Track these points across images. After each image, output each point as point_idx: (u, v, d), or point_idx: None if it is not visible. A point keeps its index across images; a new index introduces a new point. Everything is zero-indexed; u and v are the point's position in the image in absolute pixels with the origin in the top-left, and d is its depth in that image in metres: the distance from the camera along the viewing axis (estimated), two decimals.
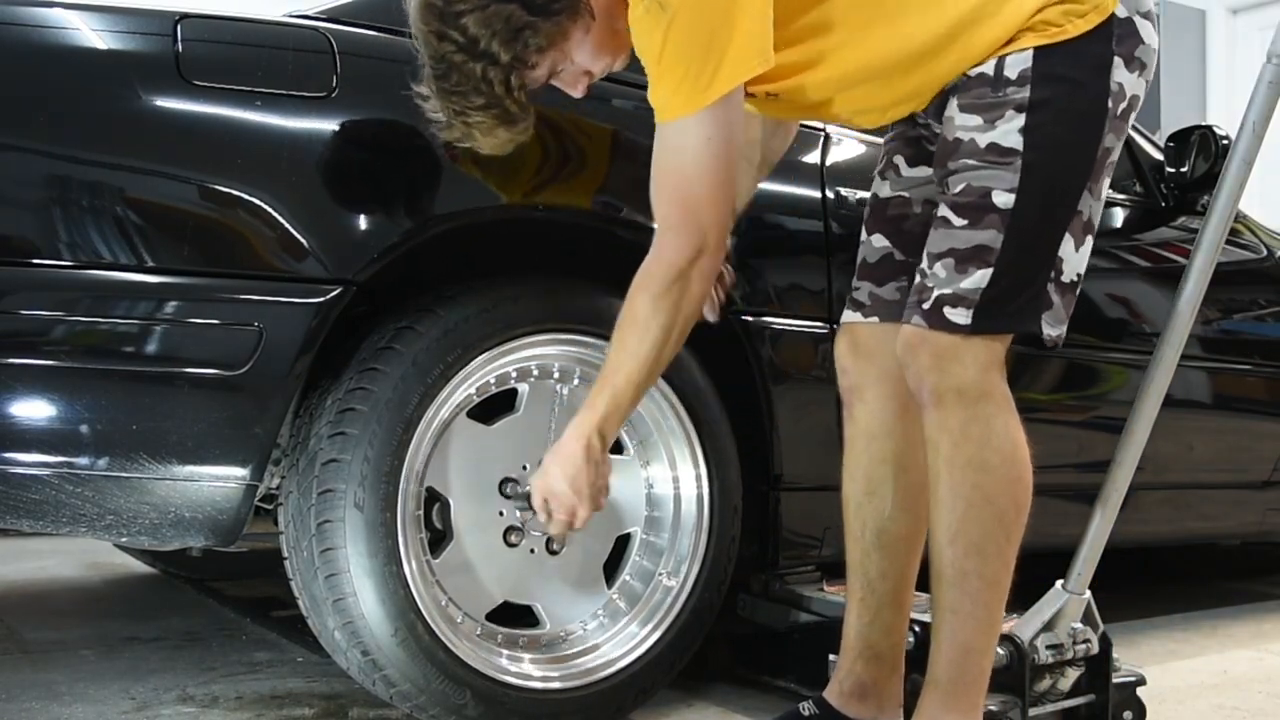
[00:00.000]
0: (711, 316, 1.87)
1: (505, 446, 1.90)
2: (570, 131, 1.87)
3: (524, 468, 1.90)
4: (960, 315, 1.57)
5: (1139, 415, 1.83)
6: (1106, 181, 1.64)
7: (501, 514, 1.89)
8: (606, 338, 1.91)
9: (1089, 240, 1.62)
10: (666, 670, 1.99)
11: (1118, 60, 1.58)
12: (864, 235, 1.81)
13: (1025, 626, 1.82)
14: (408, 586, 1.74)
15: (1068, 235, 1.59)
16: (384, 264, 1.72)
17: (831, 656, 1.86)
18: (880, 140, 1.87)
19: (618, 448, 2.00)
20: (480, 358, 1.82)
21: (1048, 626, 1.83)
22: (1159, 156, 2.83)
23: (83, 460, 1.60)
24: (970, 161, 1.58)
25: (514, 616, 1.93)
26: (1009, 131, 1.56)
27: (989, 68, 1.57)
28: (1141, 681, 1.94)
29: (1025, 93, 1.55)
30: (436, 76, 1.55)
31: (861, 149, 2.26)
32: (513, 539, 1.89)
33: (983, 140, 1.57)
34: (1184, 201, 2.80)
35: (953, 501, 1.58)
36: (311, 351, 1.67)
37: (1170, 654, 2.64)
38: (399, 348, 1.76)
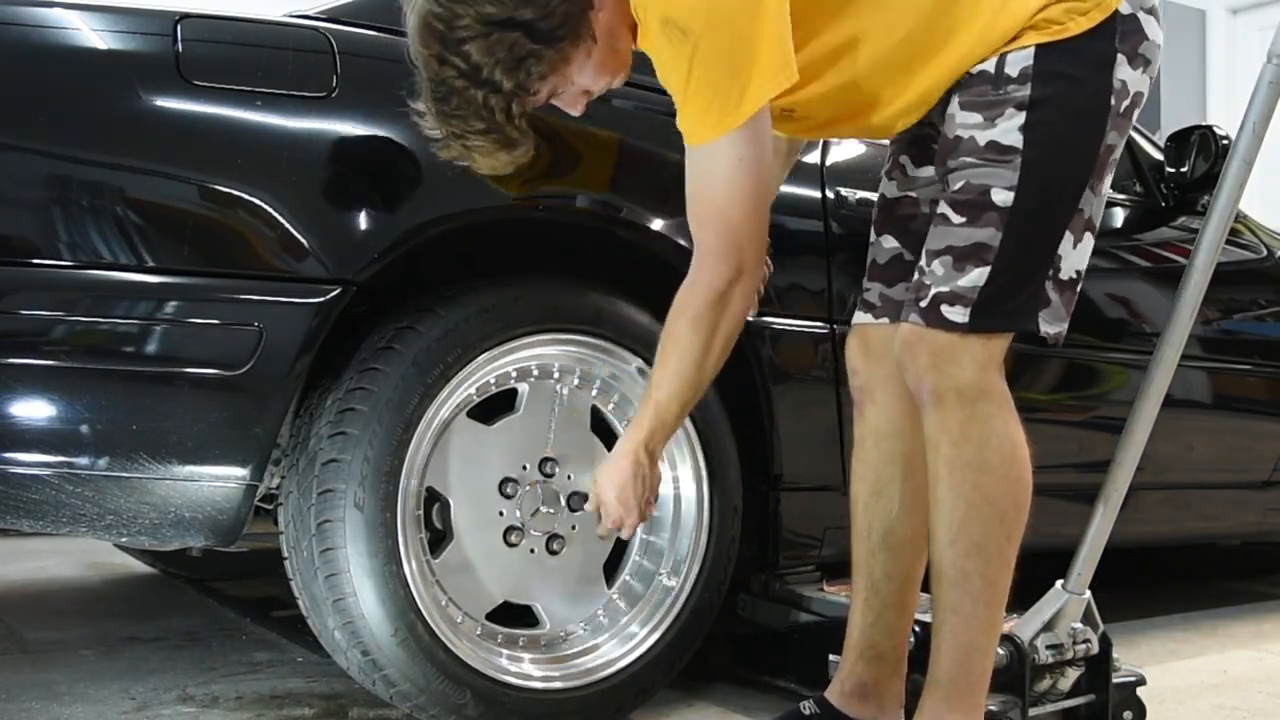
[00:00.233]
0: (749, 313, 1.88)
1: (505, 446, 1.90)
2: (570, 132, 1.87)
3: (524, 468, 1.90)
4: (957, 314, 1.57)
5: (1139, 415, 1.83)
6: (1109, 179, 1.64)
7: (501, 514, 1.89)
8: (607, 338, 1.93)
9: (1089, 238, 1.62)
10: (666, 670, 1.99)
11: (1121, 57, 1.58)
12: (873, 236, 1.81)
13: (1025, 626, 1.82)
14: (408, 586, 1.74)
15: (1067, 233, 1.59)
16: (384, 264, 1.72)
17: (832, 656, 1.86)
18: (882, 141, 1.86)
19: None
20: (480, 358, 1.82)
21: (1048, 626, 1.83)
22: (1159, 156, 2.83)
23: (83, 460, 1.60)
24: (970, 159, 1.58)
25: (514, 616, 1.93)
26: (1009, 129, 1.56)
27: (990, 65, 1.57)
28: (1141, 681, 1.94)
29: (1026, 90, 1.55)
30: (436, 99, 1.54)
31: (861, 149, 2.26)
32: (513, 539, 1.89)
33: (983, 138, 1.57)
34: (1184, 201, 2.80)
35: (953, 502, 1.58)
36: (311, 351, 1.67)
37: (1170, 654, 2.64)
38: (399, 348, 1.76)
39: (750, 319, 2.04)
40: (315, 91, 1.71)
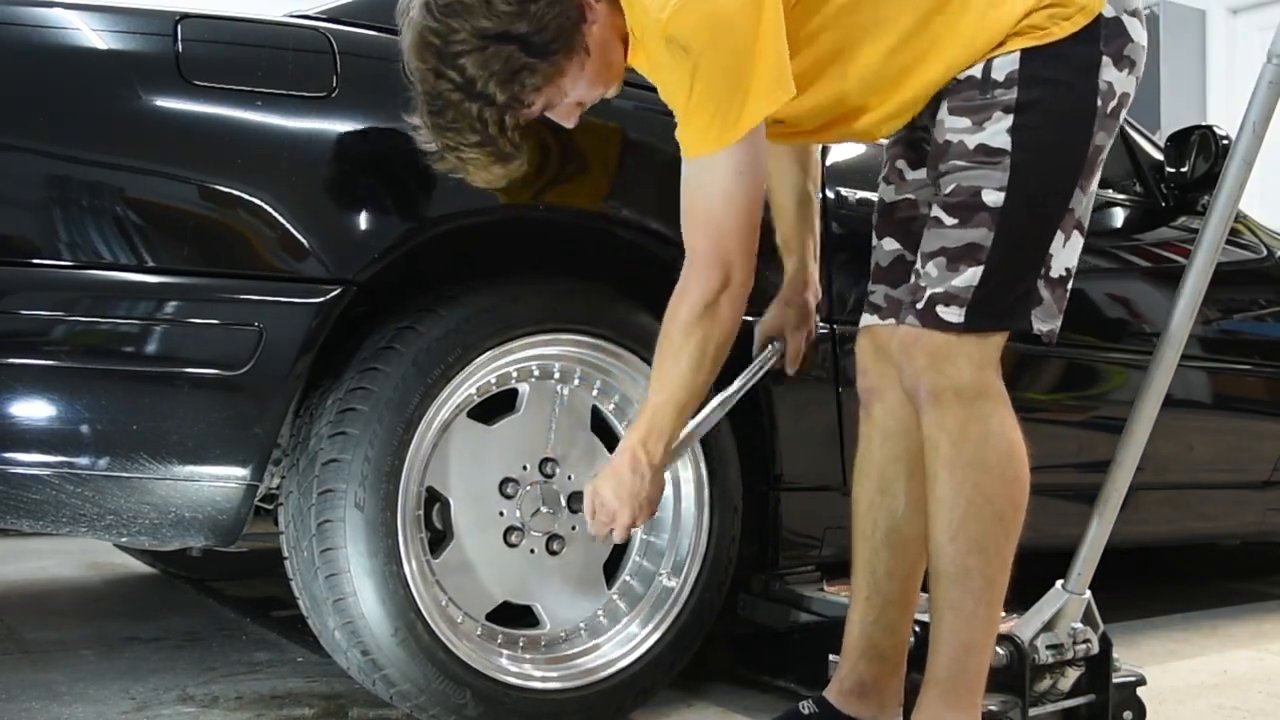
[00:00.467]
0: (790, 369, 1.93)
1: (505, 446, 1.90)
2: (570, 132, 1.87)
3: (524, 468, 1.90)
4: (953, 314, 1.58)
5: (1139, 415, 1.83)
6: (1097, 178, 1.66)
7: (502, 514, 1.89)
8: (606, 338, 1.93)
9: (1078, 236, 1.64)
10: (666, 670, 1.99)
11: (1106, 59, 1.60)
12: (875, 240, 1.83)
13: (1025, 626, 1.82)
14: (408, 586, 1.74)
15: (1058, 232, 1.61)
16: (384, 264, 1.72)
17: (832, 656, 1.86)
18: (881, 142, 1.87)
19: None
20: (481, 358, 1.82)
21: (1048, 626, 1.83)
22: (1159, 156, 2.83)
23: (83, 460, 1.60)
24: (960, 162, 1.60)
25: (514, 617, 1.93)
26: (997, 132, 1.57)
27: (977, 71, 1.60)
28: (1141, 681, 1.94)
29: (1013, 94, 1.57)
30: (431, 112, 1.55)
31: (860, 149, 2.26)
32: (513, 539, 1.89)
33: (971, 141, 1.59)
34: (1184, 201, 2.80)
35: (952, 500, 1.59)
36: (312, 351, 1.67)
37: (1170, 654, 2.64)
38: (400, 348, 1.76)
39: (749, 319, 2.04)
40: (315, 91, 1.71)
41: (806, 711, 1.80)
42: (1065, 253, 1.62)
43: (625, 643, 1.97)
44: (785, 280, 1.95)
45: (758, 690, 2.21)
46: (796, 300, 1.93)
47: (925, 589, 1.71)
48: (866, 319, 1.81)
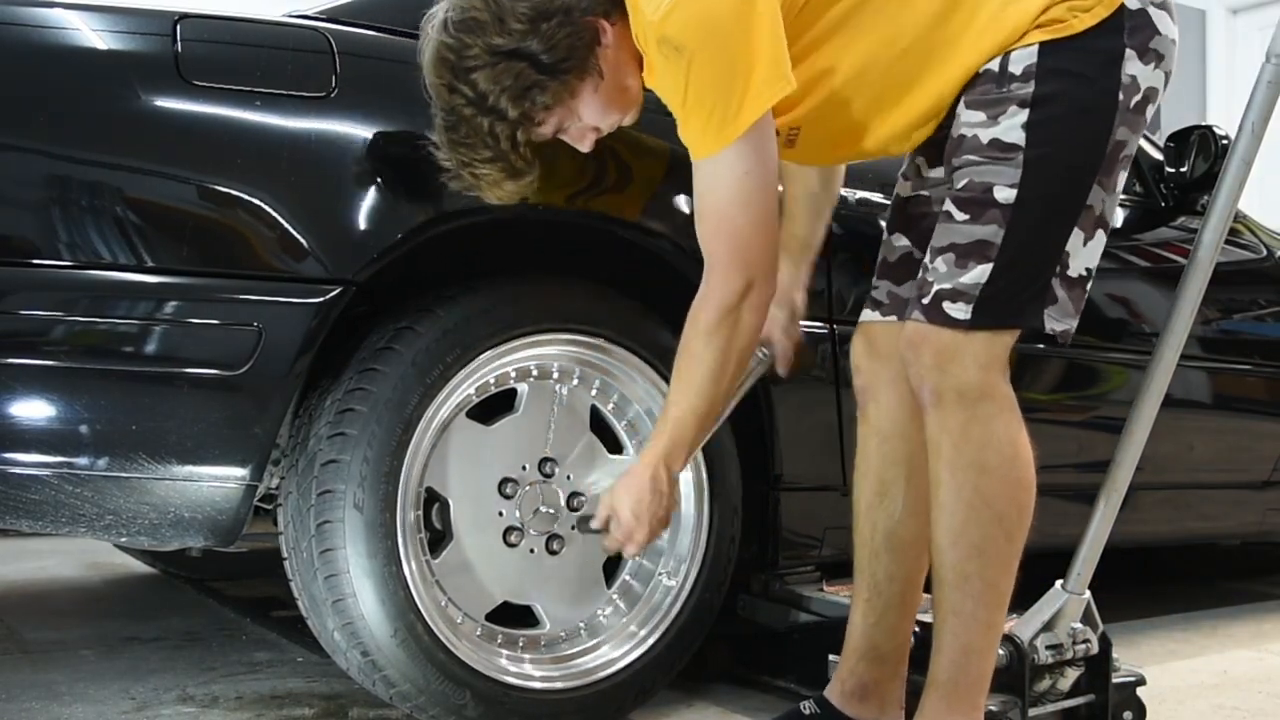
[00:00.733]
0: (782, 371, 1.91)
1: (505, 447, 1.90)
2: None
3: (523, 468, 1.90)
4: (959, 310, 1.57)
5: (1139, 415, 1.83)
6: (1123, 175, 1.63)
7: (501, 514, 1.89)
8: (606, 338, 1.93)
9: (1100, 235, 1.62)
10: (666, 670, 1.99)
11: (1130, 52, 1.57)
12: (885, 234, 1.82)
13: (1025, 626, 1.82)
14: (407, 587, 1.74)
15: (1076, 230, 1.59)
16: (384, 264, 1.72)
17: (832, 657, 1.86)
18: None
19: (618, 447, 2.00)
20: (480, 358, 1.82)
21: (1048, 626, 1.83)
22: (1159, 156, 2.83)
23: (83, 460, 1.60)
24: (973, 157, 1.58)
25: (514, 617, 1.92)
26: (1012, 127, 1.56)
27: (995, 64, 1.58)
28: (1141, 681, 1.94)
29: (1030, 88, 1.55)
30: (446, 128, 1.58)
31: None
32: (512, 539, 1.89)
33: (985, 136, 1.57)
34: (1184, 201, 2.80)
35: (954, 504, 1.58)
36: (311, 352, 1.67)
37: (1170, 654, 2.64)
38: (398, 348, 1.76)
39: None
40: (315, 91, 1.71)
41: (807, 712, 1.80)
42: (1085, 252, 1.60)
43: (625, 642, 1.97)
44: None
45: (758, 690, 2.21)
46: (785, 301, 1.92)
47: (928, 590, 1.71)
48: (866, 315, 1.80)
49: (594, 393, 1.97)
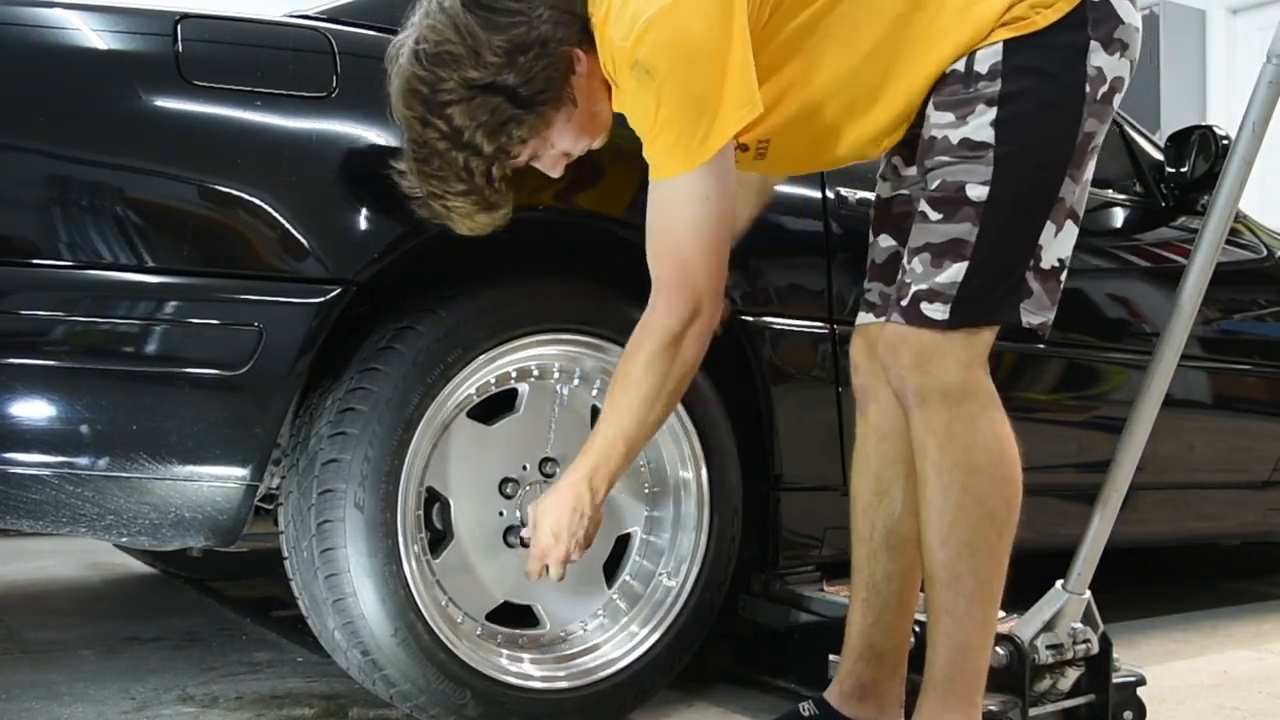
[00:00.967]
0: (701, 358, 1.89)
1: (505, 446, 1.90)
2: None
3: (524, 468, 1.90)
4: (937, 311, 1.57)
5: (1139, 415, 1.83)
6: (1091, 166, 1.64)
7: (501, 514, 1.89)
8: (606, 338, 1.92)
9: (1071, 226, 1.62)
10: (667, 670, 1.99)
11: (1094, 44, 1.58)
12: (871, 237, 1.82)
13: (1025, 626, 1.82)
14: (408, 586, 1.74)
15: (1048, 222, 1.59)
16: (384, 264, 1.72)
17: (832, 657, 1.86)
18: None
19: None
20: (480, 358, 1.82)
21: (1048, 626, 1.83)
22: (1159, 156, 2.83)
23: (83, 460, 1.60)
24: (944, 158, 1.59)
25: (514, 617, 1.93)
26: (981, 126, 1.56)
27: (961, 64, 1.59)
28: (1141, 681, 1.94)
29: (996, 86, 1.56)
30: (417, 160, 1.57)
31: None
32: (513, 539, 1.89)
33: (955, 136, 1.58)
34: (1184, 201, 2.80)
35: (942, 503, 1.58)
36: (311, 351, 1.67)
37: (1170, 654, 2.64)
38: (399, 348, 1.76)
39: (749, 319, 2.04)
40: (315, 91, 1.71)
41: (807, 713, 1.80)
42: (1057, 243, 1.61)
43: (625, 642, 1.97)
44: None
45: (758, 690, 2.21)
46: None
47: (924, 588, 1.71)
48: (862, 317, 1.81)
49: (595, 393, 1.97)
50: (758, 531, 2.13)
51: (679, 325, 1.56)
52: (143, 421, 1.61)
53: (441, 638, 1.77)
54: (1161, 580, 3.68)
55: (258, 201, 1.65)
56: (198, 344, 1.62)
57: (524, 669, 1.88)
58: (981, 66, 1.57)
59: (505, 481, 1.89)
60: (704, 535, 2.01)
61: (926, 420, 1.58)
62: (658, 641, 1.97)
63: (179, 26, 1.66)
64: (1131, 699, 1.93)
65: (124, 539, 1.69)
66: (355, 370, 1.76)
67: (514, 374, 1.90)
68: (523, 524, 1.89)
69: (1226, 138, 2.68)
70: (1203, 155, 2.74)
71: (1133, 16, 1.62)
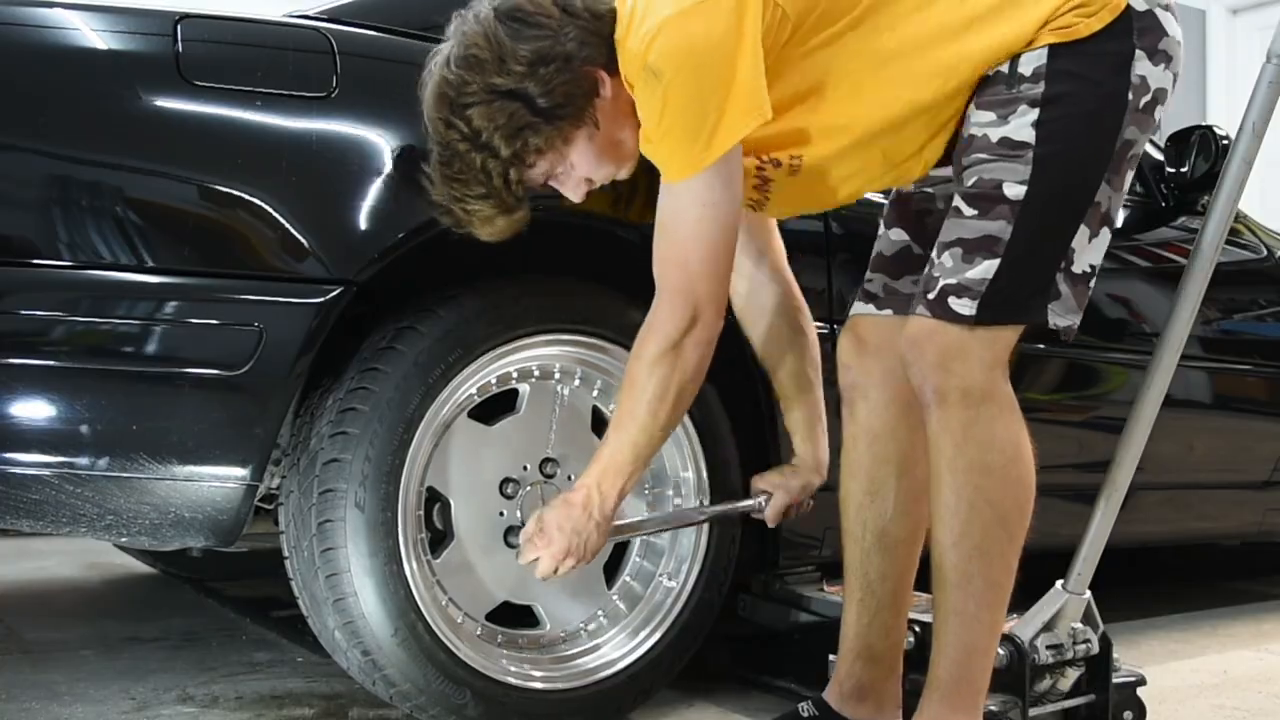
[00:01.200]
0: (770, 521, 1.92)
1: (506, 446, 1.90)
2: None
3: (524, 468, 1.90)
4: (965, 306, 1.57)
5: (1139, 415, 1.83)
6: (1130, 174, 1.65)
7: (502, 514, 1.89)
8: (607, 338, 1.93)
9: (1106, 233, 1.63)
10: (667, 671, 1.99)
11: (1140, 53, 1.59)
12: (881, 229, 1.82)
13: (1025, 626, 1.82)
14: (408, 586, 1.74)
15: (1083, 226, 1.59)
16: (384, 264, 1.72)
17: (832, 657, 1.86)
18: None
19: None
20: (481, 358, 1.82)
21: (1048, 626, 1.83)
22: (1159, 156, 2.83)
23: (83, 460, 1.59)
24: (983, 155, 1.59)
25: (514, 617, 1.93)
26: (1022, 125, 1.56)
27: (1004, 66, 1.59)
28: (1141, 681, 1.94)
29: (1040, 88, 1.56)
30: (441, 162, 1.60)
31: None
32: (513, 539, 1.89)
33: (995, 134, 1.58)
34: (1184, 201, 2.80)
35: (955, 504, 1.58)
36: (312, 351, 1.67)
37: (1170, 654, 2.64)
38: (400, 348, 1.76)
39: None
40: (315, 91, 1.71)
41: (806, 713, 1.80)
42: (1090, 249, 1.61)
43: (625, 643, 1.97)
44: (796, 454, 1.93)
45: (758, 690, 2.20)
46: (802, 479, 1.93)
47: (922, 589, 1.71)
48: (859, 307, 1.80)
49: (595, 393, 1.97)
50: (758, 531, 2.13)
51: (677, 333, 1.57)
52: (143, 421, 1.61)
53: (442, 638, 1.77)
54: (1161, 580, 3.68)
55: (258, 201, 1.65)
56: (198, 344, 1.62)
57: (524, 669, 1.88)
58: (1026, 69, 1.57)
59: (506, 482, 1.89)
60: (704, 535, 2.01)
61: (944, 419, 1.58)
62: (658, 642, 1.97)
63: (179, 26, 1.66)
64: (1131, 699, 1.93)
65: (124, 539, 1.70)
66: (356, 370, 1.77)
67: (515, 374, 1.90)
68: (524, 525, 1.89)
69: (1226, 138, 2.68)
70: (1203, 155, 2.74)
71: (1175, 30, 1.64)
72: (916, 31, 1.59)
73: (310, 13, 1.87)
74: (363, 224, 1.71)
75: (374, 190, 1.73)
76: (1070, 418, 2.59)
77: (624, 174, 1.66)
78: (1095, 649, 1.87)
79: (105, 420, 1.60)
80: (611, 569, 2.01)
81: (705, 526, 2.01)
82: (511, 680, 1.84)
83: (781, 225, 1.98)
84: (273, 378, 1.65)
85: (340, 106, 1.72)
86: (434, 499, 1.85)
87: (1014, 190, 1.56)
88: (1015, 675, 1.78)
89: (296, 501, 1.76)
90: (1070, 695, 1.87)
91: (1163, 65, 1.61)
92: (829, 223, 2.18)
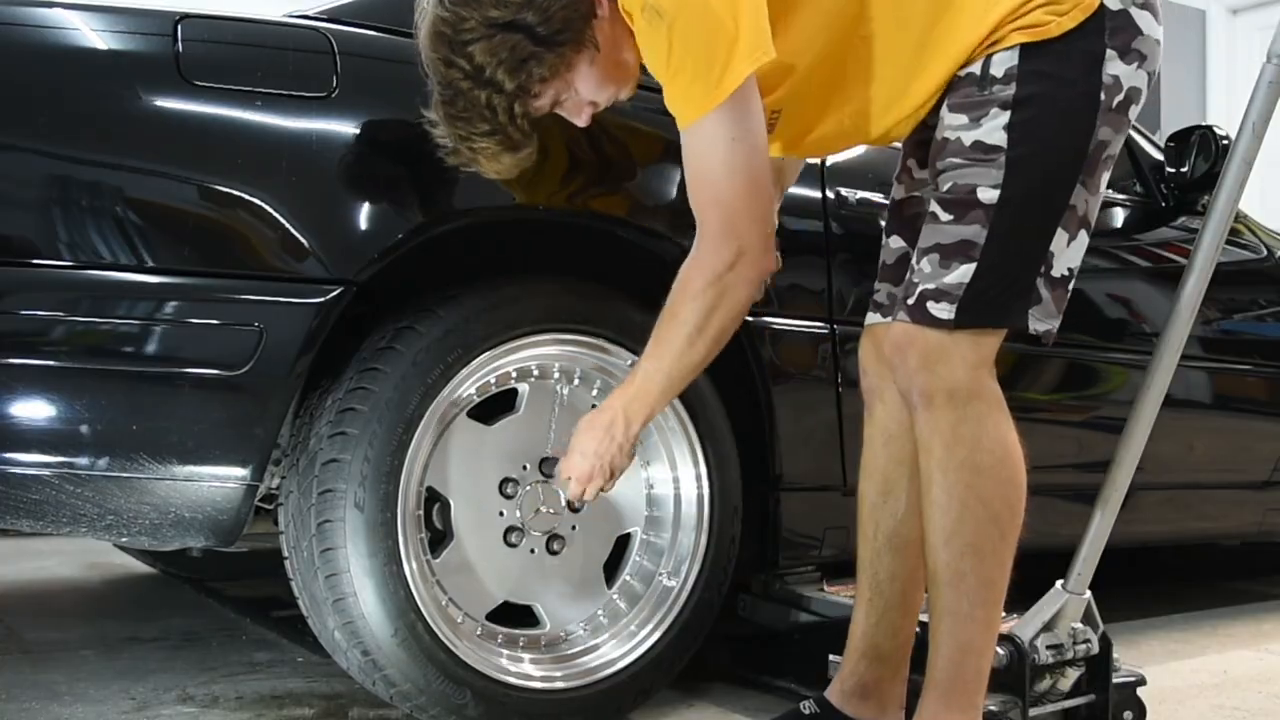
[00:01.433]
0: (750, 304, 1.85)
1: (505, 446, 1.90)
2: (571, 131, 1.87)
3: (524, 468, 1.90)
4: (943, 310, 1.57)
5: (1139, 415, 1.83)
6: (1105, 175, 1.64)
7: (502, 514, 1.89)
8: (606, 338, 1.93)
9: (1083, 235, 1.63)
10: (667, 670, 1.99)
11: (1111, 53, 1.58)
12: (884, 238, 1.82)
13: (1025, 626, 1.82)
14: (408, 586, 1.74)
15: (1060, 230, 1.59)
16: (384, 264, 1.72)
17: (833, 657, 1.86)
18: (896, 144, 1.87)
19: None
20: (481, 358, 1.82)
21: (1048, 626, 1.83)
22: (1159, 156, 2.83)
23: (83, 460, 1.59)
24: (956, 160, 1.59)
25: (514, 616, 1.93)
26: (994, 129, 1.56)
27: (976, 67, 1.59)
28: (1141, 681, 1.94)
29: (1010, 90, 1.56)
30: (444, 102, 1.58)
31: (860, 149, 2.26)
32: (513, 539, 1.89)
33: (968, 138, 1.58)
34: (1184, 201, 2.80)
35: (946, 503, 1.58)
36: (312, 351, 1.67)
37: (1170, 654, 2.64)
38: (399, 348, 1.76)
39: (749, 319, 2.04)
40: (315, 91, 1.71)
41: (807, 712, 1.80)
42: (1069, 252, 1.61)
43: (625, 642, 1.97)
44: None
45: (758, 690, 2.21)
46: None
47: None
48: (871, 318, 1.81)
49: (595, 393, 1.97)
50: (758, 531, 2.13)
51: (723, 267, 1.56)
52: (143, 421, 1.61)
53: (442, 638, 1.77)
54: (1161, 580, 3.68)
55: (258, 201, 1.65)
56: (198, 344, 1.62)
57: (524, 669, 1.88)
58: (997, 70, 1.57)
59: (505, 481, 1.89)
60: (704, 535, 2.01)
61: (932, 420, 1.59)
62: (658, 641, 1.97)
63: (179, 26, 1.66)
64: (1131, 699, 1.93)
65: (124, 539, 1.70)
66: (356, 370, 1.77)
67: (514, 374, 1.90)
68: (524, 525, 1.90)
69: (1226, 138, 2.68)
70: (1203, 155, 2.74)
71: (1153, 29, 1.62)
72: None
73: (310, 13, 1.87)
74: (362, 224, 1.71)
75: (374, 190, 1.73)
76: (1070, 418, 2.59)
77: (625, 95, 1.65)
78: (1095, 649, 1.87)
79: (105, 420, 1.60)
80: (611, 568, 2.01)
81: (706, 527, 2.01)
82: (511, 680, 1.84)
83: (781, 224, 1.98)
84: (273, 378, 1.65)
85: (340, 106, 1.72)
86: (433, 499, 1.85)
87: (988, 194, 1.56)
88: (1015, 675, 1.78)
89: (296, 502, 1.76)
90: (1070, 695, 1.87)
91: (1135, 64, 1.60)
92: (829, 223, 2.18)
